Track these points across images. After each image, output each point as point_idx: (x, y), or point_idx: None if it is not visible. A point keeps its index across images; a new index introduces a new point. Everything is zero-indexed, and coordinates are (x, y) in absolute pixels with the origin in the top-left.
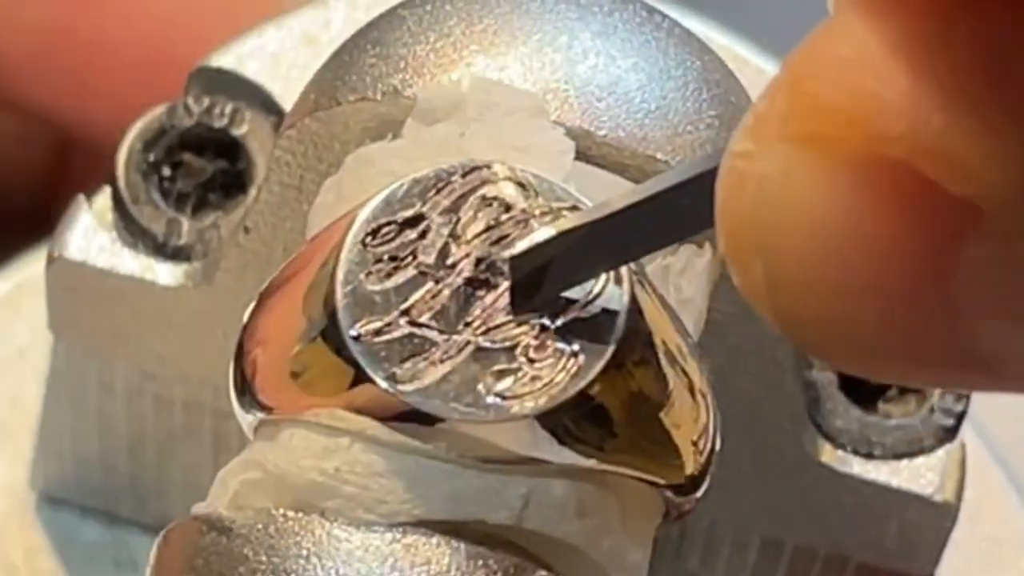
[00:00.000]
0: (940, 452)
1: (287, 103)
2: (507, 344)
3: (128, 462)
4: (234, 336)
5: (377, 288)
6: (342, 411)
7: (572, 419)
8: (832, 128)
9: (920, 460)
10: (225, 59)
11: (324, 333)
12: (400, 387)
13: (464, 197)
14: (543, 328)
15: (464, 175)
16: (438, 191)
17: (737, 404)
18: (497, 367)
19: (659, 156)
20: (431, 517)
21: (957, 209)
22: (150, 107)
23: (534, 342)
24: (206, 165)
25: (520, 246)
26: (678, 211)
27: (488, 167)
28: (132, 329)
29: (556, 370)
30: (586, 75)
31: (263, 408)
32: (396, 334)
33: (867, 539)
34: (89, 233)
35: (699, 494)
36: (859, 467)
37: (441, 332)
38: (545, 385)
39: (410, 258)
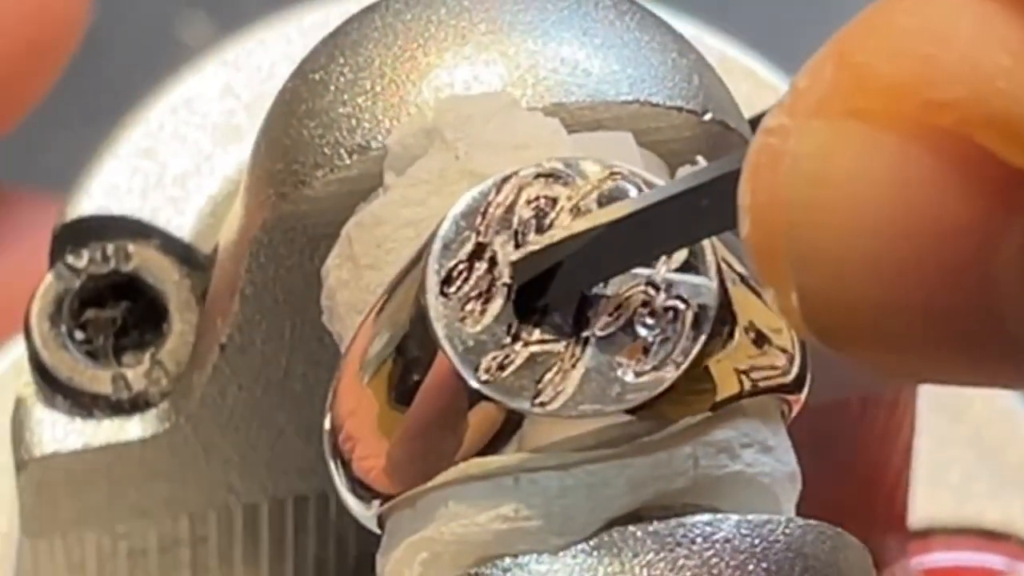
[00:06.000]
0: None
1: (159, 220)
2: (623, 322)
3: None
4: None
5: (479, 328)
6: (481, 458)
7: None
8: (883, 100)
9: None
10: (79, 207)
11: None
12: (549, 407)
13: (510, 210)
14: (648, 294)
15: (498, 191)
16: (484, 215)
17: None
18: (626, 347)
19: (629, 98)
20: (618, 514)
21: (1013, 180)
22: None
23: (644, 309)
24: (112, 313)
25: (524, 251)
26: (697, 212)
27: (515, 173)
28: (107, 498)
29: (678, 328)
30: (530, 59)
31: (381, 496)
32: (519, 361)
33: None
34: (45, 424)
35: (805, 391)
36: None
37: (557, 340)
38: (676, 343)
39: (493, 287)
